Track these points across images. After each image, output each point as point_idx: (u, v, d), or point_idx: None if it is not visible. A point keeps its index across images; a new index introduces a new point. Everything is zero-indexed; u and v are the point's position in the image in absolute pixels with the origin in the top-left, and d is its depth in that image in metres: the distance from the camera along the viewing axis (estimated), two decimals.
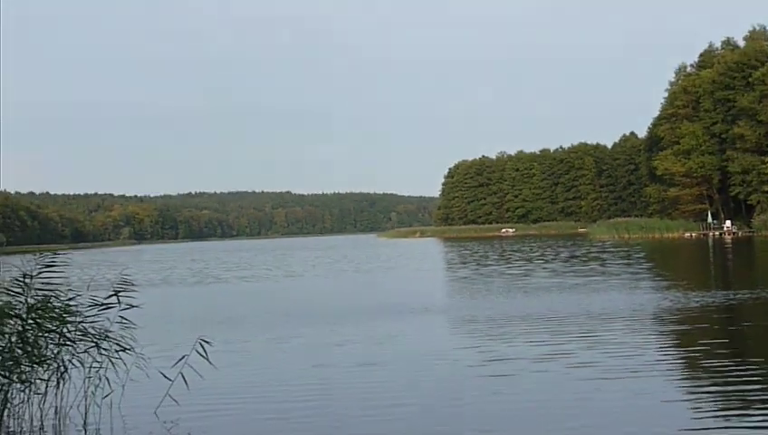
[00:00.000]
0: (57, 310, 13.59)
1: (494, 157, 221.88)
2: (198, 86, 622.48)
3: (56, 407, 13.23)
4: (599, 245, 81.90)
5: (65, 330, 13.53)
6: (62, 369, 13.45)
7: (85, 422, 12.69)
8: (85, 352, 13.57)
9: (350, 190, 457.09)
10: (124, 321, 13.98)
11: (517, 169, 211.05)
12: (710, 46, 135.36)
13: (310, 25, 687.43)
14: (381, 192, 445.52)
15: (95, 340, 13.53)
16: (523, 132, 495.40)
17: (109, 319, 13.96)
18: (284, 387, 15.16)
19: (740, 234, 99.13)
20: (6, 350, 12.99)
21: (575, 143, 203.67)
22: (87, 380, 13.40)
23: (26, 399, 13.17)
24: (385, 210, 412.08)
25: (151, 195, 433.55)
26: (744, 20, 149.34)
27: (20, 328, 13.23)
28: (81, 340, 13.57)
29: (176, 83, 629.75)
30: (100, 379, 13.38)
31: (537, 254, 66.20)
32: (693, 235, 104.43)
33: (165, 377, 13.48)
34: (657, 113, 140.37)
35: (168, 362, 13.73)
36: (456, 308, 29.79)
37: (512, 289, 35.54)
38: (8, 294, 13.60)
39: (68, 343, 13.50)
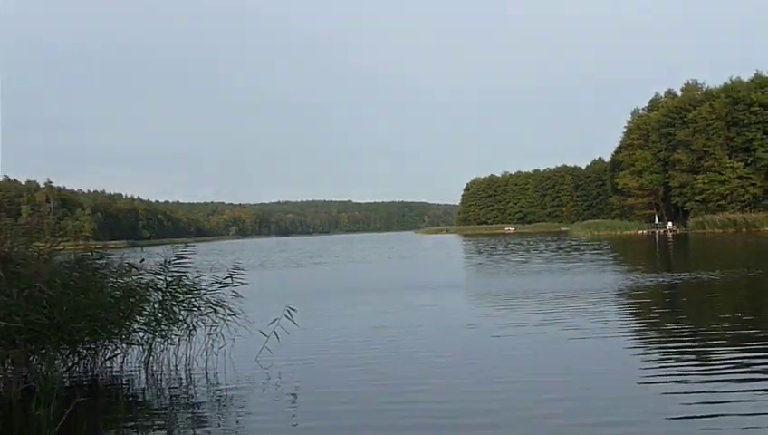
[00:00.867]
0: (187, 286, 13.96)
1: (499, 175, 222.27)
2: (292, 128, 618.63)
3: (186, 355, 13.61)
4: (576, 240, 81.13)
5: (192, 300, 13.85)
6: (190, 328, 13.85)
7: (206, 366, 13.08)
8: (206, 315, 13.91)
9: (394, 199, 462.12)
10: (234, 294, 14.26)
11: (516, 184, 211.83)
12: (656, 95, 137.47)
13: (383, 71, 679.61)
14: (417, 201, 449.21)
15: (213, 307, 13.91)
16: (520, 156, 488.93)
17: (224, 293, 14.25)
18: (349, 343, 15.36)
19: (678, 231, 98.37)
20: (151, 314, 13.44)
21: (558, 165, 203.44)
22: (207, 336, 13.80)
23: (165, 349, 13.53)
24: (420, 214, 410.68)
25: (251, 203, 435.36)
26: (682, 74, 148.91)
27: (161, 298, 13.64)
28: (203, 307, 13.86)
29: (275, 125, 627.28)
30: (216, 335, 13.78)
31: (532, 246, 65.72)
32: (644, 232, 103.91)
33: (262, 334, 13.80)
34: (617, 144, 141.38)
35: (265, 324, 13.95)
36: (475, 286, 29.80)
37: (515, 272, 35.40)
38: (153, 274, 13.94)
39: (194, 309, 13.90)
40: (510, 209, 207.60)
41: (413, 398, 9.92)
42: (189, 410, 10.27)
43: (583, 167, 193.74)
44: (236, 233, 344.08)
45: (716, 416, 8.59)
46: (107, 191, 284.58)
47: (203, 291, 14.15)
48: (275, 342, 13.76)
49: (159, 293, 13.76)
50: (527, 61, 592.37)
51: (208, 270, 15.06)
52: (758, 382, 10.22)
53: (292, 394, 10.88)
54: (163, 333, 13.54)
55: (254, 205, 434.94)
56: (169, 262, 14.16)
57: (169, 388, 11.75)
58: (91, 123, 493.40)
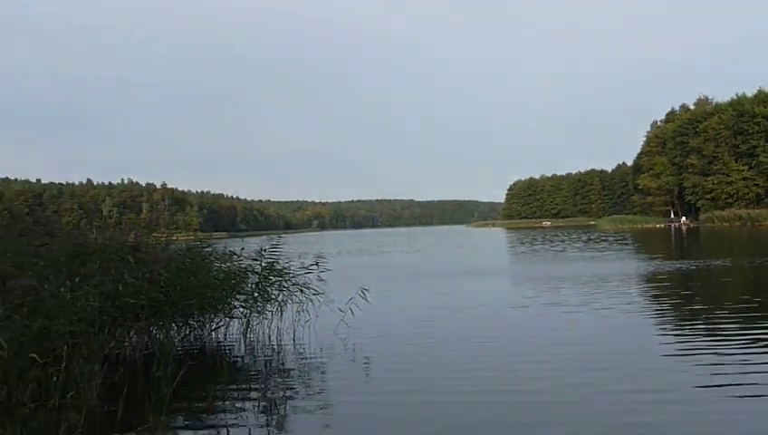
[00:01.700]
0: (278, 270, 14.02)
1: (537, 177, 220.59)
2: (366, 140, 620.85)
3: (277, 327, 13.71)
4: (604, 232, 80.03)
5: (282, 282, 13.92)
6: (280, 305, 13.90)
7: (294, 337, 13.17)
8: (294, 294, 13.97)
9: (448, 198, 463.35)
10: (318, 278, 14.32)
11: (552, 185, 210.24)
12: (672, 109, 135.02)
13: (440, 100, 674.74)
14: (468, 199, 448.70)
15: (300, 288, 13.97)
16: (555, 161, 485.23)
17: (308, 277, 14.32)
18: (413, 319, 15.31)
19: (691, 225, 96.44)
20: (249, 293, 13.52)
21: (588, 169, 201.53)
22: (295, 312, 13.84)
23: (260, 322, 13.64)
24: (470, 211, 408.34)
25: (330, 201, 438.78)
26: (695, 90, 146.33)
27: (257, 280, 13.70)
28: (292, 287, 13.94)
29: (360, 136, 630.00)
30: (302, 311, 13.82)
31: (567, 238, 64.97)
32: (661, 226, 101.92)
33: (340, 310, 13.83)
34: (639, 150, 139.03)
35: (342, 302, 13.98)
36: (519, 271, 29.46)
37: (554, 259, 35.00)
38: (250, 260, 14.05)
39: (284, 289, 13.92)
40: (546, 206, 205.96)
41: (471, 368, 9.82)
42: (280, 374, 10.35)
43: (609, 170, 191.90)
44: (317, 226, 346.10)
45: (739, 385, 8.41)
46: (211, 192, 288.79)
47: (291, 275, 14.26)
48: (351, 317, 13.81)
49: (256, 275, 13.87)
50: (562, 82, 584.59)
51: (296, 257, 15.14)
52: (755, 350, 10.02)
53: (365, 361, 10.89)
54: (258, 309, 13.65)
55: (332, 202, 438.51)
56: (263, 250, 14.28)
57: (263, 355, 11.84)
58: (197, 135, 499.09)
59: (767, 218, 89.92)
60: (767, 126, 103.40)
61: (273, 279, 13.96)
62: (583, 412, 7.56)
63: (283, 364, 10.98)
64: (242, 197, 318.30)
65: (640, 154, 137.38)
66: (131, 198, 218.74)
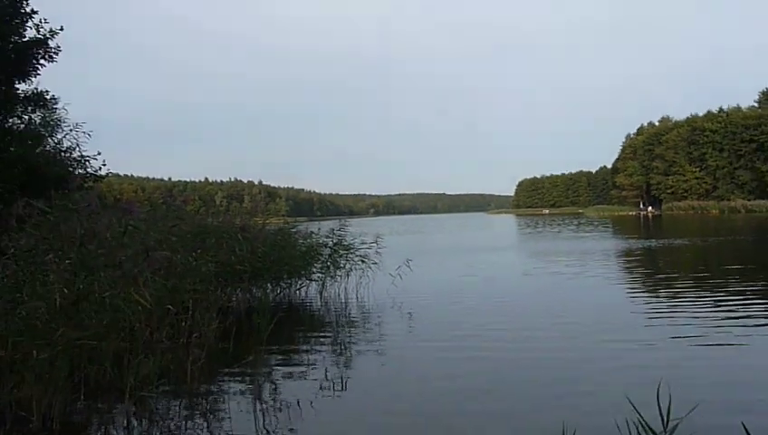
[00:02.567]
0: (345, 245, 14.04)
1: (539, 176, 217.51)
2: (410, 148, 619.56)
3: (344, 288, 13.73)
4: (590, 218, 78.88)
5: (348, 254, 13.94)
6: (347, 272, 13.89)
7: (356, 295, 13.21)
8: (357, 263, 14.00)
9: (471, 192, 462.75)
10: (376, 252, 14.33)
11: (550, 182, 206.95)
12: (641, 125, 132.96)
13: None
14: (486, 193, 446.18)
15: (362, 259, 13.97)
16: (552, 164, 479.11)
17: (368, 251, 14.32)
18: (446, 284, 15.27)
19: (656, 213, 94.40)
20: (324, 262, 13.57)
21: (577, 170, 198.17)
22: (358, 277, 13.84)
23: (332, 284, 13.71)
24: (488, 201, 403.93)
25: (382, 194, 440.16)
26: (659, 110, 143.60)
27: (329, 253, 13.72)
28: (355, 258, 13.98)
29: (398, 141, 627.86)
30: (363, 276, 13.82)
31: (562, 222, 64.20)
32: (633, 213, 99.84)
33: (390, 275, 13.80)
34: (616, 156, 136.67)
35: (392, 269, 13.98)
36: (528, 247, 29.12)
37: (553, 238, 34.65)
38: (325, 237, 14.08)
39: (350, 260, 13.94)
40: (546, 198, 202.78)
41: (495, 327, 9.58)
42: (346, 324, 10.35)
43: (594, 171, 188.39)
44: (373, 213, 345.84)
45: (700, 336, 8.23)
46: (294, 187, 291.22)
47: (355, 249, 14.28)
48: (399, 281, 13.78)
49: (328, 249, 13.92)
50: (557, 102, 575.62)
51: (358, 236, 15.14)
52: (727, 312, 9.75)
53: (409, 315, 10.86)
54: (331, 274, 13.69)
55: (384, 195, 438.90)
56: (334, 231, 14.33)
57: (334, 309, 11.86)
58: (284, 143, 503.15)
59: (713, 208, 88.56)
60: (713, 138, 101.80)
61: (342, 252, 13.99)
62: (579, 357, 7.46)
63: (348, 316, 10.99)
64: (317, 190, 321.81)
65: (617, 159, 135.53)
66: (236, 191, 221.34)
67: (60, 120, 14.51)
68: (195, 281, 8.59)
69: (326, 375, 6.89)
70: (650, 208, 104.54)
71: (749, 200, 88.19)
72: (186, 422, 5.60)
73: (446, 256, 23.88)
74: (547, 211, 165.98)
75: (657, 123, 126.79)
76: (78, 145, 14.46)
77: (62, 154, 14.25)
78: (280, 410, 5.81)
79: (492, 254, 24.68)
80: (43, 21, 13.93)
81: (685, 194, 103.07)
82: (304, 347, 8.60)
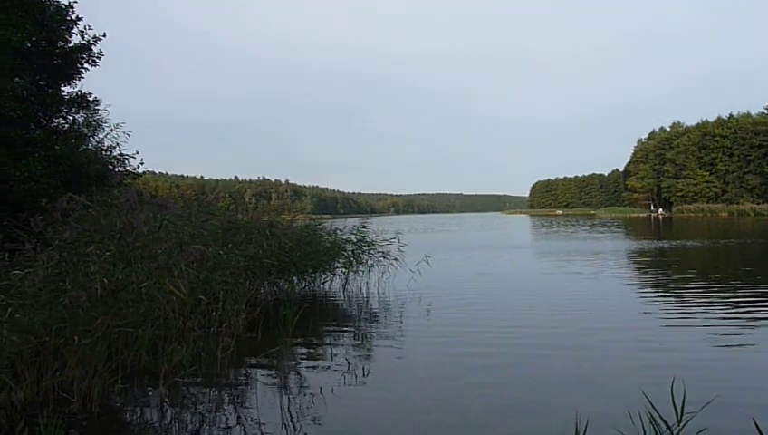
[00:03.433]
0: (367, 241, 14.05)
1: (553, 178, 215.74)
2: (426, 151, 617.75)
3: (367, 282, 13.75)
4: (602, 219, 78.05)
5: (371, 250, 13.95)
6: (369, 267, 13.91)
7: (378, 289, 13.19)
8: (379, 259, 13.98)
9: (488, 192, 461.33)
10: (397, 249, 14.31)
11: (563, 184, 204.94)
12: (653, 130, 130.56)
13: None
14: (502, 193, 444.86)
15: (384, 254, 13.97)
16: (566, 167, 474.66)
17: (389, 247, 14.31)
18: (463, 279, 15.22)
19: (666, 215, 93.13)
20: (347, 257, 13.60)
21: (590, 173, 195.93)
22: (380, 272, 13.86)
23: (355, 278, 13.75)
24: (503, 202, 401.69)
25: (402, 193, 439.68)
26: (671, 115, 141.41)
27: (352, 249, 13.73)
28: (377, 254, 13.97)
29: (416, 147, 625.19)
30: (385, 272, 13.82)
31: (576, 223, 63.58)
32: (644, 215, 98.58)
33: (411, 271, 13.77)
34: (628, 160, 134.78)
35: (412, 265, 13.97)
36: (540, 246, 28.90)
37: (566, 238, 34.32)
38: (349, 234, 14.10)
39: (372, 255, 13.94)
40: (559, 199, 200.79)
41: (512, 323, 9.52)
42: (368, 316, 10.34)
43: (606, 174, 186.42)
44: (394, 212, 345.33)
45: (714, 336, 8.12)
46: (319, 186, 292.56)
47: (377, 245, 14.27)
48: (418, 276, 13.78)
49: (352, 245, 13.93)
50: (571, 108, 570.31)
51: (380, 233, 15.13)
52: (740, 313, 9.62)
53: (428, 308, 10.83)
54: (354, 269, 13.70)
55: (404, 195, 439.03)
56: (358, 228, 14.33)
57: (357, 302, 11.85)
58: (308, 146, 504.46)
59: (722, 211, 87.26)
60: (723, 143, 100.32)
61: (365, 248, 14.00)
62: (595, 354, 7.38)
63: (370, 310, 10.97)
64: (341, 190, 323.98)
65: (629, 163, 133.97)
66: (264, 190, 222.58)
67: (101, 121, 14.66)
68: (225, 273, 8.65)
69: (348, 366, 6.89)
70: (661, 211, 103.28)
71: (758, 204, 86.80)
72: (215, 407, 5.64)
73: (465, 254, 23.69)
74: (560, 212, 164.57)
75: (668, 128, 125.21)
76: (118, 144, 14.62)
77: (103, 153, 14.40)
78: (304, 396, 5.83)
79: (509, 252, 24.50)
80: (87, 27, 14.11)
81: (695, 197, 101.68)
82: (328, 339, 8.61)
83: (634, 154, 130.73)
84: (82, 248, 6.60)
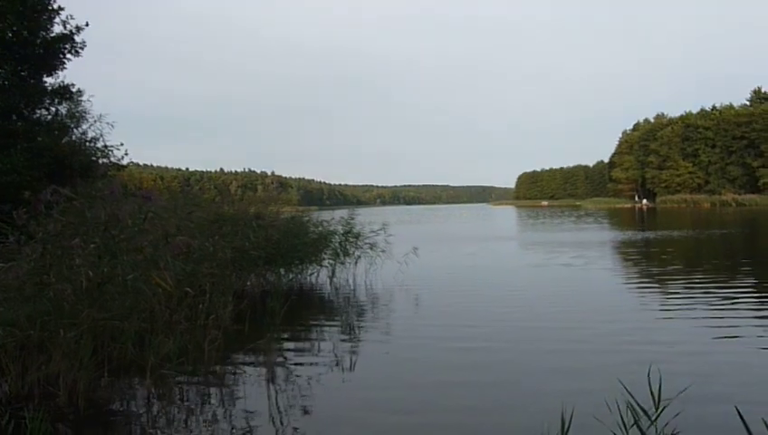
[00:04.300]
0: (354, 233, 14.02)
1: (539, 169, 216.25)
2: (415, 142, 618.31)
3: (354, 274, 13.73)
4: (588, 210, 78.56)
5: (358, 242, 13.93)
6: (356, 258, 13.90)
7: (365, 281, 13.20)
8: (366, 251, 13.99)
9: (475, 184, 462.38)
10: (384, 241, 14.30)
11: (549, 175, 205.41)
12: (637, 121, 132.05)
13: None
14: (488, 184, 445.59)
15: (370, 246, 13.96)
16: (552, 158, 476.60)
17: (376, 239, 14.29)
18: (451, 271, 15.24)
19: (650, 206, 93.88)
20: (334, 249, 13.56)
21: (575, 164, 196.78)
22: (367, 263, 13.84)
23: (342, 270, 13.70)
24: (489, 193, 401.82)
25: (388, 185, 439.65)
26: (654, 107, 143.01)
27: (339, 240, 13.71)
28: (364, 246, 13.97)
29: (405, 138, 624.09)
30: (372, 263, 13.83)
31: (562, 214, 63.96)
32: (629, 206, 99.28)
33: (398, 262, 13.77)
34: (613, 151, 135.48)
35: (400, 256, 13.97)
36: (527, 238, 29.08)
37: (552, 229, 34.53)
38: (336, 225, 14.07)
39: (359, 247, 13.92)
40: (545, 190, 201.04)
41: (499, 315, 9.51)
42: (355, 307, 10.35)
43: (591, 165, 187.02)
44: (380, 203, 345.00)
45: (685, 318, 8.21)
46: (305, 177, 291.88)
47: (364, 236, 14.26)
48: (405, 268, 13.76)
49: (339, 236, 13.91)
50: (558, 99, 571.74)
51: (366, 224, 15.10)
52: (723, 303, 9.72)
53: (415, 300, 10.86)
54: (341, 260, 13.66)
55: (390, 186, 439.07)
56: (345, 219, 14.31)
57: (344, 293, 11.86)
58: (295, 137, 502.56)
59: (705, 201, 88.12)
60: (706, 135, 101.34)
61: (352, 240, 13.98)
62: (579, 347, 7.43)
63: (357, 301, 10.99)
64: (327, 181, 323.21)
65: (614, 154, 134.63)
66: (250, 181, 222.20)
67: (85, 112, 14.54)
68: (212, 265, 8.60)
69: (336, 358, 6.89)
70: (645, 201, 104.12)
71: (739, 194, 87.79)
72: (203, 399, 5.63)
73: (452, 245, 23.75)
74: (546, 203, 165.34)
75: (652, 120, 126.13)
76: (101, 135, 14.50)
77: (87, 144, 14.28)
78: (291, 388, 5.82)
79: (496, 243, 24.61)
80: (69, 17, 13.94)
81: (678, 188, 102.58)
82: (315, 331, 8.60)
83: (619, 145, 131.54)
84: (67, 241, 6.53)
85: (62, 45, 13.79)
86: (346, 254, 13.75)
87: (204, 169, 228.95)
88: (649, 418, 3.47)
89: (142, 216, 7.79)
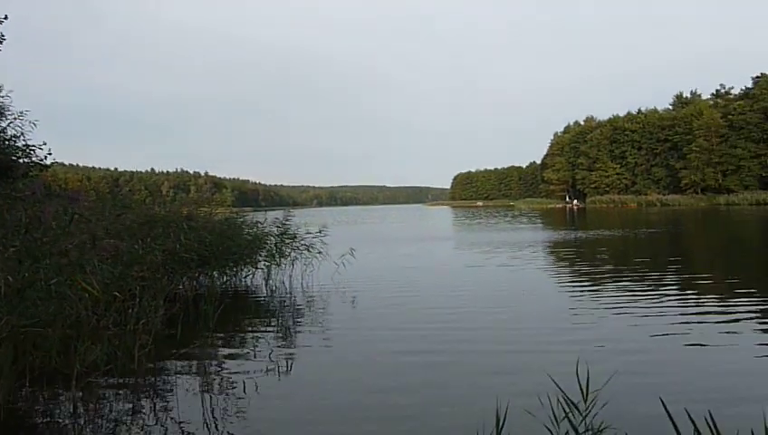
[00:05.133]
0: (290, 234, 13.94)
1: (474, 170, 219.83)
2: (351, 144, 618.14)
3: (290, 276, 13.61)
4: (521, 210, 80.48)
5: (294, 243, 13.85)
6: (293, 260, 13.78)
7: (302, 282, 13.08)
8: (302, 252, 13.92)
9: (411, 185, 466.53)
10: (321, 242, 14.24)
11: (483, 176, 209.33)
12: (568, 124, 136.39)
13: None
14: (424, 185, 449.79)
15: (307, 247, 13.90)
16: (486, 159, 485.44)
17: (313, 240, 14.20)
18: (387, 272, 15.27)
19: (580, 206, 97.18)
20: (269, 250, 13.41)
21: (509, 165, 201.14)
22: (303, 265, 13.73)
23: (277, 272, 13.58)
24: (425, 194, 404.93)
25: (325, 185, 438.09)
26: (584, 110, 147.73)
27: (275, 242, 13.59)
28: (301, 247, 13.88)
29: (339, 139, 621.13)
30: (308, 265, 13.72)
31: (497, 214, 65.21)
32: (560, 206, 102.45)
33: (335, 263, 13.75)
34: (545, 153, 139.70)
35: (337, 258, 13.94)
36: (462, 237, 29.53)
37: (488, 229, 35.12)
38: (271, 227, 13.93)
39: (295, 248, 13.82)
40: (480, 191, 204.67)
41: (437, 316, 9.59)
42: (291, 310, 10.26)
43: (524, 166, 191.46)
44: (316, 204, 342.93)
45: (616, 316, 8.51)
46: (240, 178, 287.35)
47: (300, 238, 14.16)
48: (343, 269, 13.75)
49: (274, 238, 13.77)
50: (492, 103, 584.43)
51: (303, 225, 15.01)
52: (646, 297, 10.13)
53: (352, 300, 10.85)
54: (276, 262, 13.53)
55: (327, 187, 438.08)
56: (280, 220, 14.18)
57: (279, 296, 11.72)
58: (229, 137, 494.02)
59: (632, 202, 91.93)
60: (632, 137, 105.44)
61: (288, 241, 13.87)
62: (512, 347, 7.59)
63: (293, 303, 10.89)
64: (262, 182, 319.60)
65: (546, 155, 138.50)
66: (183, 182, 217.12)
67: (3, 108, 13.83)
68: (142, 269, 8.36)
69: (271, 360, 6.81)
70: (575, 202, 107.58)
71: (664, 195, 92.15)
72: (133, 407, 5.45)
73: (389, 246, 23.85)
74: (481, 203, 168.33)
75: (582, 123, 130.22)
76: (23, 133, 13.82)
77: (6, 142, 13.59)
78: (226, 394, 5.71)
79: (433, 244, 24.86)
80: None
81: (607, 188, 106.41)
82: (250, 333, 8.48)
83: (550, 147, 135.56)
84: None
85: None
86: (282, 255, 13.62)
87: (134, 170, 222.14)
88: (580, 412, 3.58)
89: (68, 217, 7.50)
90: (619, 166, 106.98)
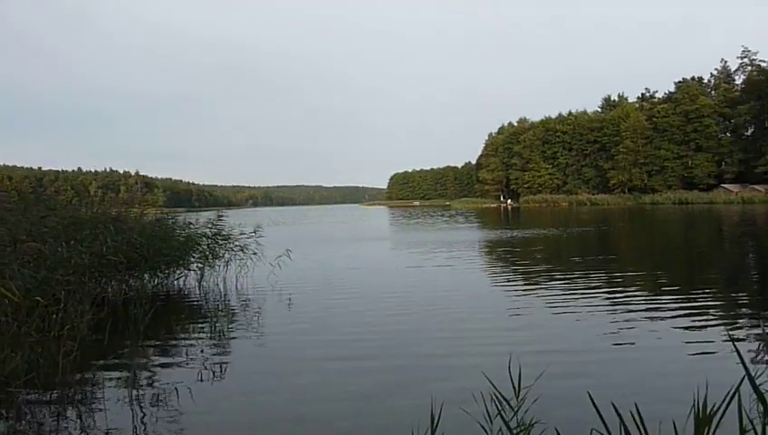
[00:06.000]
0: (224, 235, 13.74)
1: (410, 171, 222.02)
2: (287, 142, 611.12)
3: (224, 277, 13.40)
4: (457, 210, 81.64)
5: (228, 244, 13.64)
6: (227, 261, 13.58)
7: (236, 284, 12.92)
8: (236, 253, 13.73)
9: (347, 185, 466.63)
10: (256, 242, 14.08)
11: (420, 176, 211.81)
12: (502, 125, 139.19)
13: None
14: (361, 185, 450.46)
15: (241, 248, 13.73)
16: (422, 159, 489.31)
17: (247, 241, 14.03)
18: (324, 272, 15.17)
19: (514, 205, 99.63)
20: (203, 252, 13.20)
21: (445, 165, 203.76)
22: (237, 266, 13.54)
23: (211, 274, 13.35)
24: (362, 194, 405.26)
25: (260, 185, 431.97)
26: (516, 112, 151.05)
27: (208, 243, 13.37)
28: (235, 248, 13.67)
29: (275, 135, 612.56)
30: (243, 266, 13.55)
31: (434, 214, 65.90)
32: (495, 205, 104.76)
33: (270, 265, 13.63)
34: (479, 153, 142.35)
35: (272, 259, 13.81)
36: (400, 238, 29.63)
37: (423, 229, 35.48)
38: (203, 227, 13.69)
39: (229, 250, 13.62)
40: (416, 191, 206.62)
41: (373, 317, 9.69)
42: (225, 312, 10.07)
43: (459, 166, 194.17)
44: (251, 204, 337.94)
45: (553, 315, 8.73)
46: (172, 178, 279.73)
47: (234, 238, 13.96)
48: (279, 270, 13.64)
49: (207, 239, 13.52)
50: (427, 106, 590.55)
51: (237, 226, 14.78)
52: (579, 294, 10.45)
53: (288, 301, 10.76)
54: (210, 264, 13.32)
55: (262, 187, 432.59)
56: (213, 221, 13.94)
57: (213, 298, 11.50)
58: (162, 134, 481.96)
59: (563, 201, 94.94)
60: (563, 138, 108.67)
61: (221, 242, 13.66)
62: (451, 336, 7.69)
63: (228, 305, 10.71)
64: (196, 182, 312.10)
65: (480, 156, 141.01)
66: (112, 182, 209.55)
67: None
68: (67, 272, 8.06)
69: (204, 364, 6.68)
70: (509, 201, 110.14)
71: (593, 194, 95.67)
72: (57, 416, 5.23)
73: (326, 247, 23.77)
74: (417, 203, 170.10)
75: (515, 124, 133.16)
76: None
77: None
78: (158, 400, 5.56)
79: (371, 244, 24.91)
80: None
81: (539, 188, 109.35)
82: (182, 337, 8.27)
83: (485, 148, 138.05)
84: None
85: None
86: (215, 257, 13.40)
87: (59, 169, 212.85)
88: (512, 408, 3.67)
89: None
90: (550, 166, 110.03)
